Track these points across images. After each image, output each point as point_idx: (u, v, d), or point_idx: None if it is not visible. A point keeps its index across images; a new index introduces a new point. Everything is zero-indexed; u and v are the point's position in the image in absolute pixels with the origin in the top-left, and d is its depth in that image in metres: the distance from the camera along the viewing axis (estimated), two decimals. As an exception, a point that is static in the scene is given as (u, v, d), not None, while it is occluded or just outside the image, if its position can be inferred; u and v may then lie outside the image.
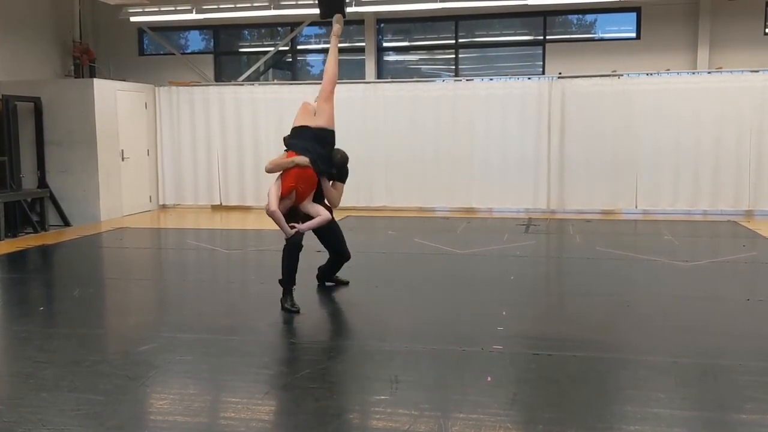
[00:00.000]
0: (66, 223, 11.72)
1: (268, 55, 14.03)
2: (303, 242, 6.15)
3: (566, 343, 5.13)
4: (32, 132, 11.67)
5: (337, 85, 6.48)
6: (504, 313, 5.94)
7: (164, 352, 5.01)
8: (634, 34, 12.68)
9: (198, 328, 5.63)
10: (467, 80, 12.91)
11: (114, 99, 12.34)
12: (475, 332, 5.43)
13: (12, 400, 4.19)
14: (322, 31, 14.15)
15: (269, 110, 13.18)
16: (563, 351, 4.93)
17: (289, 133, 6.42)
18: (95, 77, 12.74)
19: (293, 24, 13.71)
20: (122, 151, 12.54)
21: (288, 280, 6.12)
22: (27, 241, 10.27)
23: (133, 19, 12.66)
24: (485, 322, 5.67)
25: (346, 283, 6.92)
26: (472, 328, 5.59)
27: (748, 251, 8.77)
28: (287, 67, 14.59)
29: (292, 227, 6.00)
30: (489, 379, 4.44)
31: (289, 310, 5.97)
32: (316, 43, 14.51)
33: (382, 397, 4.16)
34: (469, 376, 4.50)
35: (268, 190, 6.06)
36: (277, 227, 6.07)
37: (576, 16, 13.22)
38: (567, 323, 5.77)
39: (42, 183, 11.67)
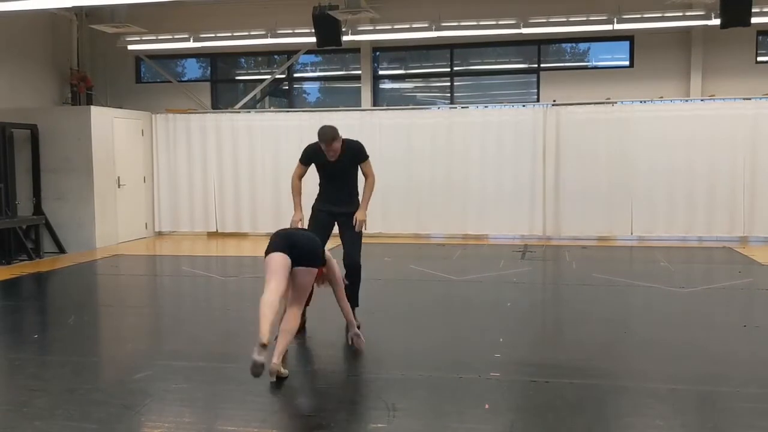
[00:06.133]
0: (61, 250, 11.68)
1: (264, 83, 14.11)
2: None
3: (564, 370, 5.11)
4: (28, 159, 11.69)
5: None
6: (501, 339, 5.93)
7: (159, 380, 4.97)
8: (627, 62, 12.80)
9: (193, 356, 5.59)
10: (462, 108, 13.01)
11: (111, 126, 12.38)
12: (472, 359, 5.41)
13: (6, 430, 4.14)
14: (319, 59, 14.28)
15: (265, 138, 13.24)
16: (560, 378, 4.91)
17: None
18: (92, 105, 12.79)
19: (290, 52, 13.82)
20: (118, 178, 12.56)
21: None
22: (22, 268, 10.23)
23: (130, 47, 12.73)
24: (482, 349, 5.66)
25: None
26: (469, 355, 5.57)
27: (743, 277, 8.78)
28: (284, 95, 14.67)
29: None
30: (486, 406, 4.41)
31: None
32: (312, 71, 14.61)
33: (379, 425, 4.13)
34: (467, 404, 4.47)
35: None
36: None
37: (570, 44, 13.37)
38: (564, 350, 5.75)
39: (37, 210, 11.65)
